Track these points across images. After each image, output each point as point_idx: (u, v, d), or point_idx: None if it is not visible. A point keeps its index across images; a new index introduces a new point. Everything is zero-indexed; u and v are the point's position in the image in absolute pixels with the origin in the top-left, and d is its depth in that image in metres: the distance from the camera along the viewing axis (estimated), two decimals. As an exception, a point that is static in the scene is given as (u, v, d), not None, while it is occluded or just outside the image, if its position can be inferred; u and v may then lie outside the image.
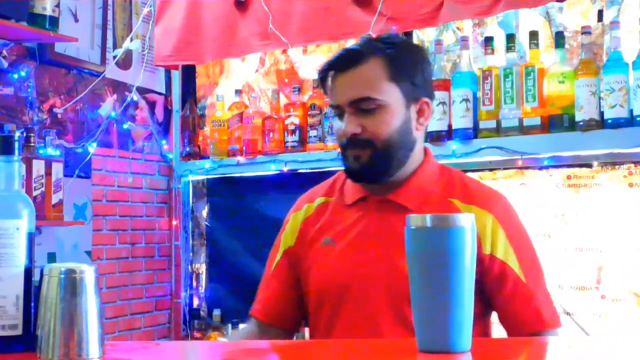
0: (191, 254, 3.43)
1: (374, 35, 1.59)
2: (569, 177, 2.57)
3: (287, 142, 3.01)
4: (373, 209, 1.56)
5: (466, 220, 0.98)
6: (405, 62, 1.53)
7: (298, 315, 1.66)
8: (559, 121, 2.44)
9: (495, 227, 1.50)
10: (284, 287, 1.64)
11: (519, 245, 1.53)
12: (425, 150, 1.62)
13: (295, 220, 1.66)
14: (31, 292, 1.06)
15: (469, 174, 2.73)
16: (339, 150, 1.60)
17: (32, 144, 2.53)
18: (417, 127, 1.56)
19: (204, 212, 3.43)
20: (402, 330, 1.46)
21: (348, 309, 1.51)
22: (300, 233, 1.64)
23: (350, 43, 3.11)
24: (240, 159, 3.13)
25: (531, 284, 1.51)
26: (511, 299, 1.50)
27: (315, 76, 3.07)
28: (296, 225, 1.65)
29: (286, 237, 1.67)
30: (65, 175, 2.71)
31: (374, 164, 1.51)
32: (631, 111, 2.32)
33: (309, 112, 2.97)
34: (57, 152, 2.65)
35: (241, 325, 1.58)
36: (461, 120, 2.58)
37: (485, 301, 1.54)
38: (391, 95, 1.51)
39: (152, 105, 3.39)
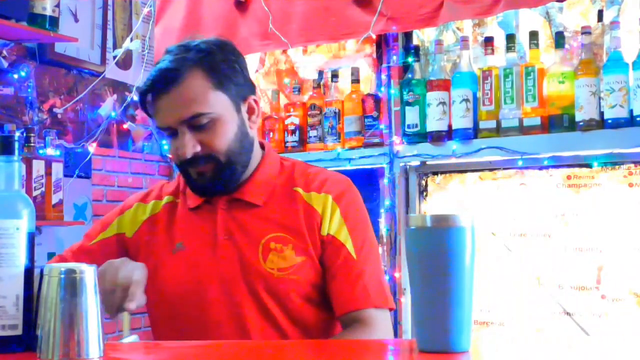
0: (191, 254, 3.42)
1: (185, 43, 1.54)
2: (569, 177, 2.57)
3: (287, 142, 3.01)
4: (220, 209, 1.53)
5: (466, 220, 0.98)
6: (223, 66, 1.49)
7: None
8: (559, 121, 2.44)
9: (333, 207, 1.51)
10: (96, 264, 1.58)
11: (353, 223, 1.52)
12: (263, 145, 1.62)
13: (140, 212, 1.60)
14: (31, 292, 1.06)
15: (469, 174, 2.74)
16: (175, 167, 1.54)
17: (32, 144, 2.53)
18: (250, 126, 1.55)
19: (204, 212, 3.43)
20: (268, 325, 1.47)
21: (211, 310, 1.48)
22: (143, 229, 1.58)
23: (350, 43, 3.12)
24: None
25: (361, 262, 1.49)
26: (339, 273, 1.48)
27: (316, 76, 3.08)
28: (139, 218, 1.59)
29: (124, 223, 1.60)
30: (65, 175, 2.71)
31: (220, 177, 1.49)
32: (631, 111, 2.32)
33: (309, 112, 2.97)
34: (57, 152, 2.65)
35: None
36: (461, 120, 2.58)
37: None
38: (220, 104, 1.47)
39: (152, 105, 3.39)
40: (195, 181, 1.50)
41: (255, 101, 1.55)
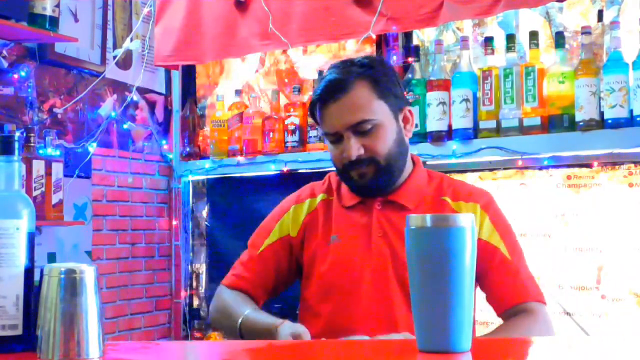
0: (191, 254, 3.43)
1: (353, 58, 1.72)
2: (569, 177, 2.57)
3: (287, 142, 3.01)
4: (375, 209, 1.68)
5: (466, 220, 0.98)
6: (385, 79, 1.66)
7: (265, 298, 1.76)
8: (559, 121, 2.44)
9: (482, 215, 1.65)
10: (269, 271, 1.74)
11: (503, 229, 1.67)
12: (413, 157, 1.77)
13: (298, 212, 1.75)
14: (31, 292, 1.06)
15: (469, 174, 2.74)
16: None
17: (32, 144, 2.53)
18: (406, 134, 1.71)
19: (204, 212, 3.43)
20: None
21: (362, 300, 1.61)
22: (305, 226, 1.73)
23: (350, 43, 3.12)
24: (240, 159, 3.13)
25: (516, 262, 1.64)
26: (498, 272, 1.62)
27: (316, 76, 3.08)
28: (299, 217, 1.74)
29: (285, 226, 1.75)
30: (65, 175, 2.71)
31: (380, 178, 1.65)
32: (631, 111, 2.32)
33: (309, 112, 2.97)
34: (57, 152, 2.65)
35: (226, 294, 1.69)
36: (461, 120, 2.58)
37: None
38: (382, 112, 1.64)
39: (152, 105, 3.39)
40: (357, 182, 1.66)
41: (410, 112, 1.72)
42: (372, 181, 1.65)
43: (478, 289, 1.65)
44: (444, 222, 0.98)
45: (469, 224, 0.98)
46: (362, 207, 1.70)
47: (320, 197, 1.77)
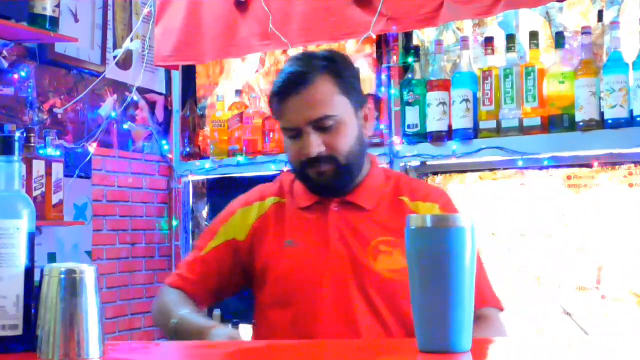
0: (191, 254, 3.42)
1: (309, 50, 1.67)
2: (569, 177, 2.57)
3: (287, 142, 3.00)
4: (332, 210, 1.62)
5: (466, 220, 0.98)
6: (348, 74, 1.60)
7: (208, 302, 1.73)
8: (559, 121, 2.44)
9: None
10: (212, 274, 1.67)
11: None
12: (369, 155, 1.71)
13: (246, 216, 1.68)
14: (31, 292, 1.06)
15: (469, 174, 2.74)
16: (286, 168, 1.64)
17: (32, 144, 2.53)
18: (366, 133, 1.65)
19: (204, 212, 3.43)
20: (376, 322, 1.53)
21: (321, 305, 1.55)
22: (254, 230, 1.66)
23: (350, 43, 3.12)
24: (240, 159, 3.13)
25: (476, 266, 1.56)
26: None
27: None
28: (248, 221, 1.67)
29: (232, 229, 1.68)
30: (65, 175, 2.71)
31: (339, 177, 1.58)
32: (631, 111, 2.32)
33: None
34: (57, 152, 2.65)
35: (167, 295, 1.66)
36: (461, 120, 2.58)
37: None
38: (344, 108, 1.58)
39: (152, 105, 3.39)
40: (315, 180, 1.59)
41: (370, 109, 1.68)
42: (331, 180, 1.58)
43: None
44: (444, 222, 0.98)
45: (469, 224, 0.98)
46: (318, 209, 1.63)
47: (270, 200, 1.70)
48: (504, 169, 2.66)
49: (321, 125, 1.55)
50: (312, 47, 3.20)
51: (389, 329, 1.53)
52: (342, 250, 1.57)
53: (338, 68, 1.59)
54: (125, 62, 3.22)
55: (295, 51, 3.24)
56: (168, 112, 3.46)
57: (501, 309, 1.62)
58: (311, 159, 1.56)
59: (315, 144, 1.55)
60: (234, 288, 1.73)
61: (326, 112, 1.55)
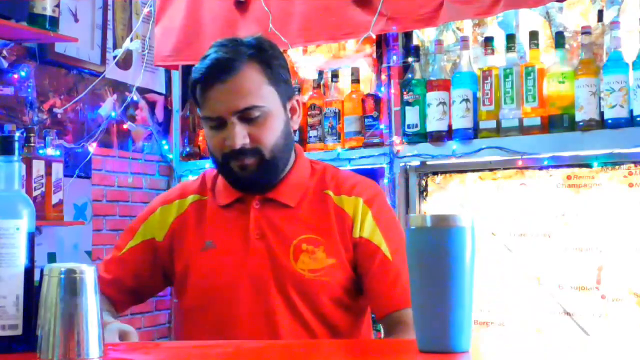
0: (191, 254, 3.42)
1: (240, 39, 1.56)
2: (569, 177, 2.57)
3: (287, 142, 3.00)
4: (253, 208, 1.55)
5: (466, 220, 0.98)
6: (276, 63, 1.53)
7: (127, 303, 1.66)
8: (559, 121, 2.44)
9: (364, 210, 1.53)
10: (128, 274, 1.61)
11: (386, 226, 1.54)
12: (296, 148, 1.62)
13: (166, 215, 1.61)
14: (31, 292, 1.06)
15: (469, 174, 2.74)
16: (212, 160, 1.56)
17: (32, 144, 2.53)
18: (293, 126, 1.58)
19: (204, 212, 3.42)
20: (298, 325, 1.49)
21: (241, 308, 1.50)
22: (172, 231, 1.59)
23: (350, 43, 3.11)
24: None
25: (398, 263, 1.49)
26: (378, 275, 1.50)
27: (316, 76, 3.08)
28: (167, 221, 1.60)
29: (150, 228, 1.62)
30: (65, 175, 2.70)
31: (263, 172, 1.51)
32: (631, 111, 2.32)
33: (309, 112, 2.97)
34: (57, 152, 2.65)
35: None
36: (461, 120, 2.58)
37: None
38: (272, 99, 1.50)
39: (152, 105, 3.39)
40: (237, 174, 1.51)
41: (298, 102, 1.59)
42: (254, 174, 1.50)
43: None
44: (444, 222, 0.98)
45: (469, 224, 0.98)
46: (239, 207, 1.55)
47: (191, 198, 1.62)
48: (504, 169, 2.66)
49: (247, 116, 1.47)
50: (312, 47, 3.20)
51: (311, 330, 1.49)
52: (263, 251, 1.51)
53: (267, 57, 1.51)
54: (125, 62, 3.22)
55: (295, 51, 3.24)
56: (168, 112, 3.45)
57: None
58: (235, 151, 1.48)
59: (240, 136, 1.47)
60: (154, 289, 1.67)
61: (253, 103, 1.47)
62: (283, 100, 1.53)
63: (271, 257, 1.50)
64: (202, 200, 1.61)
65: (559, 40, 2.47)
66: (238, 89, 1.47)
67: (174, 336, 1.66)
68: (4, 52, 2.65)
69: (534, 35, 2.52)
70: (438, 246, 0.97)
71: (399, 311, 1.47)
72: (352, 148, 2.86)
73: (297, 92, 1.59)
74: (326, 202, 1.54)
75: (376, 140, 2.82)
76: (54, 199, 2.59)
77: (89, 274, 1.00)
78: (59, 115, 2.89)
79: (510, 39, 2.55)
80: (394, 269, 1.49)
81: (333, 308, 1.50)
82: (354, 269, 1.53)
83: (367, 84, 3.05)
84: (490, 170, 2.69)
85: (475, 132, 2.59)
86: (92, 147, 3.00)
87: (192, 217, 1.59)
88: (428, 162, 2.72)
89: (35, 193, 2.50)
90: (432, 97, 2.63)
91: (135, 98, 3.24)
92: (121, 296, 1.62)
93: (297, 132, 2.97)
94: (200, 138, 3.36)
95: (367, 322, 1.63)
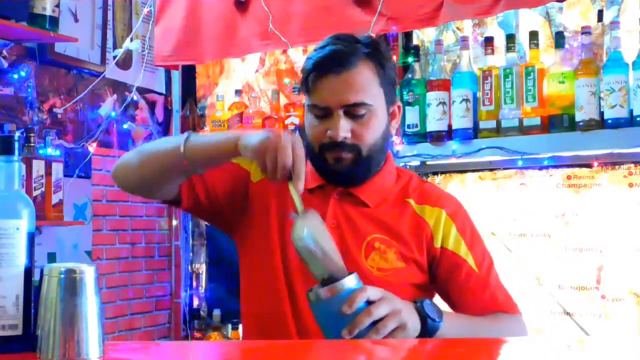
0: (191, 254, 3.42)
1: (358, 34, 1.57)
2: (569, 177, 2.57)
3: (287, 142, 3.00)
4: (333, 198, 1.56)
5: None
6: (389, 65, 1.55)
7: (192, 199, 1.59)
8: (559, 121, 2.44)
9: (447, 222, 1.55)
10: (208, 178, 1.58)
11: (470, 238, 1.57)
12: (387, 152, 1.64)
13: (256, 170, 1.57)
14: (31, 292, 1.06)
15: (469, 174, 2.74)
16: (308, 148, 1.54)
17: (32, 144, 2.54)
18: (391, 131, 1.59)
19: (204, 212, 3.43)
20: None
21: (303, 292, 1.45)
22: (264, 182, 1.56)
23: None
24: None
25: (484, 273, 1.55)
26: (465, 287, 1.54)
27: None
28: (258, 174, 1.58)
29: (248, 165, 1.60)
30: (65, 175, 2.71)
31: (357, 168, 1.52)
32: (631, 111, 2.32)
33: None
34: (57, 152, 2.65)
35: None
36: (461, 120, 2.58)
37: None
38: (379, 100, 1.52)
39: (152, 105, 3.39)
40: (330, 165, 1.52)
41: (399, 107, 1.61)
42: (348, 170, 1.51)
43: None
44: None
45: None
46: (320, 193, 1.56)
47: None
48: (504, 169, 2.66)
49: (353, 112, 1.49)
50: (312, 47, 3.20)
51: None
52: (336, 241, 1.46)
53: (381, 57, 1.53)
54: (125, 62, 3.22)
55: (295, 51, 3.24)
56: (168, 112, 3.46)
57: (519, 313, 1.59)
58: (335, 143, 1.49)
59: (345, 129, 1.48)
60: (227, 206, 1.60)
61: (363, 99, 1.48)
62: (387, 103, 1.55)
63: (343, 248, 1.49)
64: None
65: (559, 40, 2.47)
66: (351, 83, 1.49)
67: (241, 292, 1.61)
68: (4, 52, 2.66)
69: (534, 35, 2.52)
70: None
71: (492, 314, 1.52)
72: (352, 148, 2.85)
73: (398, 99, 1.61)
74: (405, 209, 1.56)
75: (376, 140, 2.82)
76: (54, 199, 2.60)
77: (89, 274, 1.00)
78: (59, 115, 2.89)
79: (510, 39, 2.55)
80: (482, 281, 1.54)
81: None
82: (430, 278, 1.55)
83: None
84: (490, 170, 2.69)
85: (475, 132, 2.59)
86: (92, 147, 3.00)
87: (277, 187, 1.53)
88: (428, 162, 2.72)
89: (35, 193, 2.50)
90: (432, 97, 2.63)
91: (135, 98, 3.25)
92: (190, 191, 1.57)
93: (298, 132, 2.97)
94: (200, 138, 3.36)
95: None
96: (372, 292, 1.29)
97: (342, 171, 1.52)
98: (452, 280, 1.54)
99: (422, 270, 1.54)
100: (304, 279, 1.47)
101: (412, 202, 1.57)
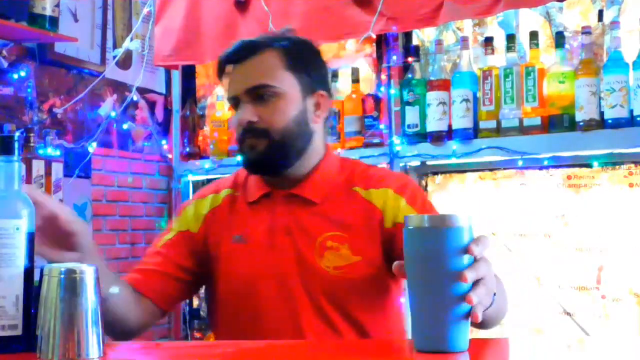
0: (191, 254, 3.42)
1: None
2: (569, 177, 2.57)
3: (287, 142, 3.00)
4: (279, 204, 1.56)
5: (464, 220, 0.98)
6: (301, 54, 1.55)
7: (173, 296, 1.60)
8: (559, 121, 2.44)
9: (395, 198, 1.52)
10: (168, 265, 1.59)
11: (421, 205, 1.54)
12: (327, 146, 1.63)
13: (199, 207, 1.63)
14: (31, 292, 1.06)
15: (469, 174, 2.74)
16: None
17: (32, 144, 2.53)
18: (314, 119, 1.56)
19: (204, 212, 3.43)
20: (323, 325, 1.48)
21: (266, 306, 1.50)
22: (207, 222, 1.61)
23: (350, 43, 3.12)
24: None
25: None
26: None
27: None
28: (201, 212, 1.62)
29: (186, 221, 1.63)
30: (65, 175, 2.71)
31: (271, 154, 1.51)
32: (631, 111, 2.32)
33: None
34: (57, 152, 2.65)
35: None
36: (461, 120, 2.58)
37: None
38: (287, 83, 1.51)
39: (152, 105, 3.39)
40: (247, 154, 1.53)
41: (324, 97, 1.58)
42: (262, 155, 1.50)
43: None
44: (442, 222, 0.98)
45: (466, 224, 0.98)
46: (266, 203, 1.56)
47: (224, 192, 1.64)
48: (504, 169, 2.67)
49: (259, 95, 1.50)
50: (312, 47, 3.20)
51: (335, 328, 1.48)
52: (288, 247, 1.51)
53: (292, 47, 1.54)
54: (125, 62, 3.22)
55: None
56: (168, 112, 3.45)
57: None
58: (245, 130, 1.50)
59: (249, 112, 1.49)
60: (192, 284, 1.62)
61: (265, 81, 1.49)
62: (304, 90, 1.54)
63: (297, 254, 1.51)
64: (234, 195, 1.63)
65: (559, 40, 2.47)
66: (253, 69, 1.51)
67: (211, 328, 1.65)
68: (4, 52, 2.65)
69: (534, 35, 2.52)
70: (436, 246, 0.97)
71: None
72: (352, 148, 2.86)
73: (325, 90, 1.59)
74: (354, 199, 1.54)
75: (376, 140, 2.82)
76: (54, 199, 2.60)
77: (89, 274, 1.00)
78: (58, 115, 2.89)
79: (510, 39, 2.55)
80: None
81: (358, 306, 1.50)
82: (389, 262, 1.50)
83: (367, 84, 3.05)
84: (490, 170, 2.69)
85: (475, 132, 2.59)
86: (92, 147, 3.00)
87: (225, 209, 1.61)
88: (428, 162, 2.72)
89: (35, 193, 2.50)
90: (432, 97, 2.63)
91: (135, 98, 3.24)
92: (165, 288, 1.57)
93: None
94: (200, 138, 3.36)
95: (399, 321, 1.60)
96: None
97: (258, 159, 1.52)
98: None
99: (380, 257, 1.51)
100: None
101: (359, 190, 1.55)
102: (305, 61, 1.56)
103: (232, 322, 1.54)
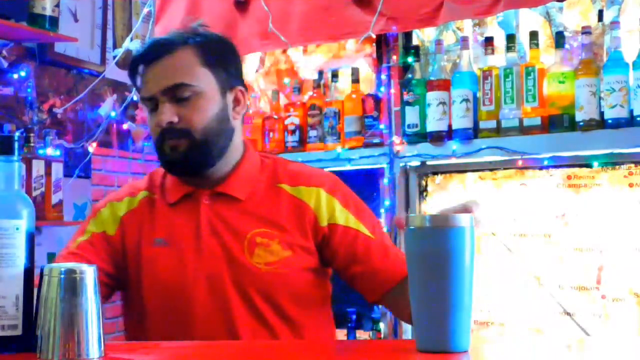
0: (191, 254, 3.42)
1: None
2: (569, 177, 2.57)
3: (287, 142, 3.01)
4: (202, 204, 1.52)
5: (466, 220, 0.98)
6: (216, 50, 1.52)
7: None
8: (559, 121, 2.44)
9: (328, 199, 1.52)
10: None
11: (356, 209, 1.54)
12: (245, 142, 1.61)
13: (116, 209, 1.57)
14: (31, 292, 1.06)
15: (469, 174, 2.74)
16: (151, 145, 1.52)
17: (32, 144, 2.53)
18: (234, 115, 1.54)
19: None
20: (257, 323, 1.46)
21: (197, 308, 1.47)
22: (123, 225, 1.55)
23: (350, 43, 3.12)
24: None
25: (379, 239, 1.52)
26: (367, 256, 1.50)
27: (316, 76, 3.08)
28: (117, 214, 1.56)
29: (101, 223, 1.56)
30: (65, 175, 2.71)
31: (193, 154, 1.47)
32: (631, 111, 2.32)
33: (308, 112, 2.97)
34: (57, 152, 2.65)
35: None
36: (461, 120, 2.58)
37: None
38: (205, 81, 1.49)
39: (152, 105, 3.39)
40: (169, 156, 1.48)
41: (242, 92, 1.56)
42: (185, 156, 1.46)
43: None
44: (444, 222, 0.98)
45: (468, 224, 0.98)
46: (188, 203, 1.52)
47: (141, 194, 1.58)
48: (504, 169, 2.66)
49: (177, 95, 1.46)
50: (312, 47, 3.20)
51: (269, 326, 1.46)
52: (216, 247, 1.48)
53: (207, 43, 1.51)
54: (125, 62, 3.22)
55: (295, 51, 3.24)
56: (168, 112, 3.45)
57: None
58: (165, 130, 1.46)
59: (168, 113, 1.45)
60: (110, 288, 1.55)
61: (183, 80, 1.46)
62: (222, 86, 1.51)
63: (226, 253, 1.48)
64: (151, 197, 1.57)
65: (559, 40, 2.47)
66: (169, 68, 1.47)
67: (126, 337, 1.60)
68: (4, 52, 2.65)
69: (534, 35, 2.52)
70: (438, 246, 0.97)
71: (400, 283, 1.45)
72: (352, 148, 2.86)
73: (242, 86, 1.57)
74: (280, 195, 1.52)
75: (376, 140, 2.82)
76: (54, 199, 2.60)
77: (89, 274, 1.00)
78: (58, 115, 2.89)
79: (510, 39, 2.55)
80: (381, 244, 1.51)
81: (291, 302, 1.49)
82: (326, 259, 1.52)
83: (367, 84, 3.05)
84: (490, 170, 2.69)
85: (475, 132, 2.59)
86: (92, 147, 3.00)
87: (143, 212, 1.56)
88: (428, 162, 2.72)
89: (35, 193, 2.50)
90: (432, 97, 2.63)
91: (135, 98, 3.24)
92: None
93: (298, 132, 2.97)
94: (200, 138, 3.36)
95: (329, 319, 1.59)
96: None
97: (180, 160, 1.48)
98: (352, 253, 1.50)
99: (311, 253, 1.51)
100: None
101: (285, 186, 1.54)
102: (221, 57, 1.53)
103: (160, 328, 1.49)
